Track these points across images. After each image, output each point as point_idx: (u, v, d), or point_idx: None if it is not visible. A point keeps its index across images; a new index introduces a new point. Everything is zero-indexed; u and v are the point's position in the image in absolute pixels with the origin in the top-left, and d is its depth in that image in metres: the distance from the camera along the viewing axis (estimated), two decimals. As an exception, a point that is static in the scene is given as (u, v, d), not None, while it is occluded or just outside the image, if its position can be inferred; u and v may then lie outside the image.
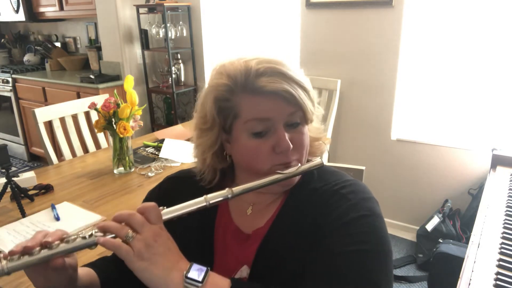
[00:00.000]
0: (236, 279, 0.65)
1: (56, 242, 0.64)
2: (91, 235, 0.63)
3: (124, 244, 0.61)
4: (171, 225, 0.67)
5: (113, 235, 0.63)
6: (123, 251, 0.60)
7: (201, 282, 0.60)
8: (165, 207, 0.67)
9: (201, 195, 0.69)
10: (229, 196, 0.69)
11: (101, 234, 0.63)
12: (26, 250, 0.63)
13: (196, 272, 0.61)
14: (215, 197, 0.69)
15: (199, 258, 0.71)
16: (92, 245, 0.63)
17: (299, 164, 0.74)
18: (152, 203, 0.65)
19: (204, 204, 0.68)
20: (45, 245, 0.64)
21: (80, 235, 0.64)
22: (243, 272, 0.77)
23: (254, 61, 0.72)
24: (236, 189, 0.70)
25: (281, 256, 0.73)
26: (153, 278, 0.60)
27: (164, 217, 0.66)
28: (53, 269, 0.65)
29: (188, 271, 0.61)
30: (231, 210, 0.84)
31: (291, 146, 0.72)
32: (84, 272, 0.78)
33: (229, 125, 0.75)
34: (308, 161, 0.78)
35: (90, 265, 0.84)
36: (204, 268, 0.62)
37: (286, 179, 0.73)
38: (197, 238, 0.82)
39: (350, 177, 0.80)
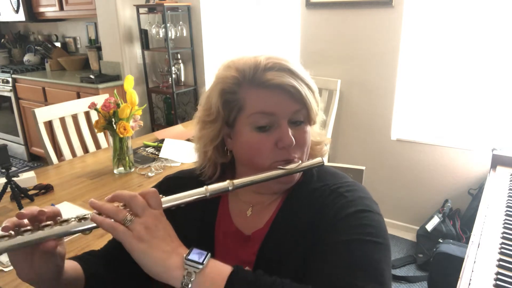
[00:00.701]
0: (238, 265, 0.64)
1: (49, 223, 0.61)
2: (86, 218, 0.61)
3: (121, 225, 0.60)
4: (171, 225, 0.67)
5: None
6: (120, 232, 0.59)
7: (202, 263, 0.59)
8: (163, 196, 0.66)
9: None
10: (230, 188, 0.68)
11: (97, 212, 0.62)
12: (18, 217, 0.60)
13: (197, 255, 0.60)
14: (215, 188, 0.68)
15: None
16: (86, 230, 0.61)
17: (300, 162, 0.74)
18: (153, 189, 0.65)
19: (204, 194, 0.67)
20: (40, 218, 0.62)
21: (76, 217, 0.61)
22: None
23: (263, 57, 0.74)
24: (237, 181, 0.69)
25: (282, 256, 0.73)
26: (153, 260, 0.58)
27: (164, 205, 0.65)
28: (42, 253, 0.62)
29: (188, 254, 0.60)
30: (231, 212, 0.84)
31: (294, 142, 0.72)
32: (70, 266, 0.74)
33: (233, 118, 0.75)
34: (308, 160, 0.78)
35: (76, 258, 0.80)
36: (205, 252, 0.61)
37: (287, 174, 0.73)
38: (197, 241, 0.81)
39: (350, 178, 0.80)
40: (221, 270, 0.60)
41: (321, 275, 0.65)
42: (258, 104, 0.72)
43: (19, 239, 0.59)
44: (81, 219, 0.61)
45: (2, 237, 0.58)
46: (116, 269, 0.79)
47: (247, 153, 0.75)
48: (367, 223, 0.69)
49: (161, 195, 0.66)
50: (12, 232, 0.60)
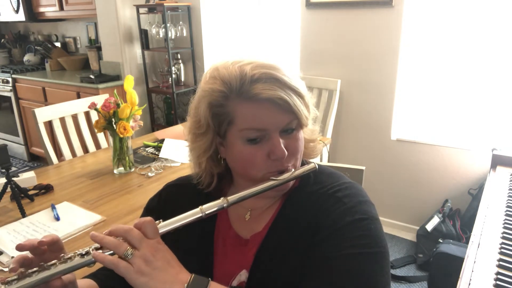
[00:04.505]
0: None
1: (53, 262, 0.64)
2: (88, 253, 0.64)
3: (122, 260, 0.61)
4: (172, 234, 0.67)
5: (111, 252, 0.63)
6: (122, 268, 0.60)
7: None
8: (161, 221, 0.67)
9: (201, 201, 0.70)
10: (224, 205, 0.69)
11: (98, 245, 0.64)
12: (18, 248, 0.63)
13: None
14: (210, 207, 0.69)
15: (200, 264, 0.70)
16: (90, 263, 0.64)
17: (293, 170, 0.74)
18: (149, 218, 0.65)
19: (200, 215, 0.68)
20: (41, 249, 0.65)
21: (78, 253, 0.64)
22: (242, 276, 0.77)
23: (249, 66, 0.71)
24: (231, 198, 0.70)
25: (279, 260, 0.73)
26: None
27: (161, 231, 0.66)
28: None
29: (188, 284, 0.61)
30: (230, 216, 0.84)
31: (286, 153, 0.72)
32: (86, 284, 0.77)
33: (223, 131, 0.74)
34: (303, 163, 0.78)
35: (91, 275, 0.84)
36: (206, 279, 0.62)
37: (281, 185, 0.73)
38: (197, 246, 0.82)
39: (347, 178, 0.79)
40: None
41: None
42: (248, 120, 0.70)
43: (27, 280, 0.62)
44: (83, 255, 0.64)
45: (11, 281, 0.62)
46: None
47: (240, 164, 0.75)
48: (363, 233, 0.69)
49: (158, 221, 0.66)
50: (21, 270, 0.63)
